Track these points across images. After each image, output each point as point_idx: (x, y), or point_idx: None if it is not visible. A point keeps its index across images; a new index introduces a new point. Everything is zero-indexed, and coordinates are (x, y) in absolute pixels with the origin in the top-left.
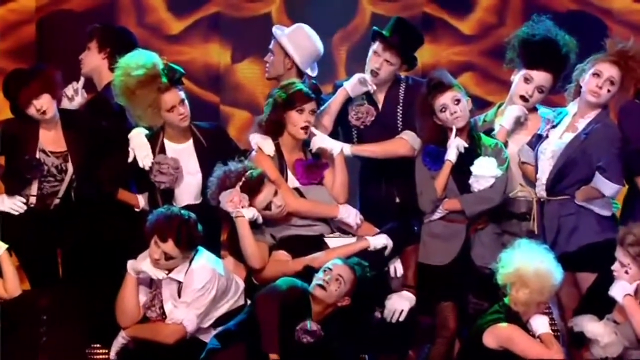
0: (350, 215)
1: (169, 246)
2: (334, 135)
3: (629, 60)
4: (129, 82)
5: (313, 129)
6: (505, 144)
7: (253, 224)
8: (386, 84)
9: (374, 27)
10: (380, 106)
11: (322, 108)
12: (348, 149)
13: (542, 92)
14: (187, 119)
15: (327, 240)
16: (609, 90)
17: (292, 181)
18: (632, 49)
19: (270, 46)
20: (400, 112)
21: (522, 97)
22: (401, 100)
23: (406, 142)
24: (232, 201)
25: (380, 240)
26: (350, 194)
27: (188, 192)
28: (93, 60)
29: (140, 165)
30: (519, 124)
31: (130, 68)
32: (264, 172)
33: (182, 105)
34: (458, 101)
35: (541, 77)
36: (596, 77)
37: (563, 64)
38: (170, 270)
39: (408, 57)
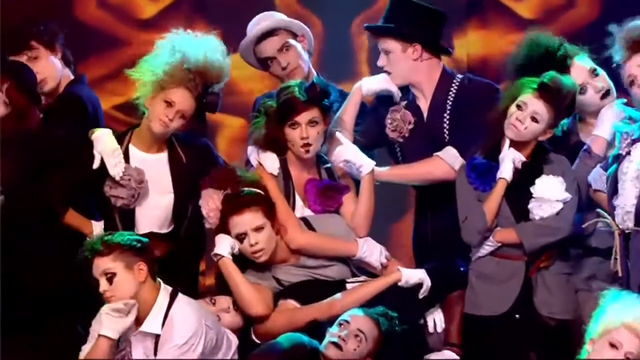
0: (372, 252)
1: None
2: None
3: None
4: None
5: (339, 135)
6: (604, 159)
7: (244, 262)
8: (425, 84)
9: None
10: (425, 113)
11: (338, 113)
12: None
13: (597, 74)
14: (167, 127)
15: (349, 286)
16: None
17: (301, 208)
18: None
19: (272, 52)
20: (447, 119)
21: (606, 94)
22: (449, 106)
23: (443, 163)
24: (208, 204)
25: (415, 274)
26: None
27: (153, 216)
28: (55, 67)
29: (112, 174)
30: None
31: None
32: (266, 197)
33: (179, 115)
34: (535, 120)
35: (580, 66)
36: (632, 78)
37: (565, 57)
38: (140, 322)
39: (407, 34)
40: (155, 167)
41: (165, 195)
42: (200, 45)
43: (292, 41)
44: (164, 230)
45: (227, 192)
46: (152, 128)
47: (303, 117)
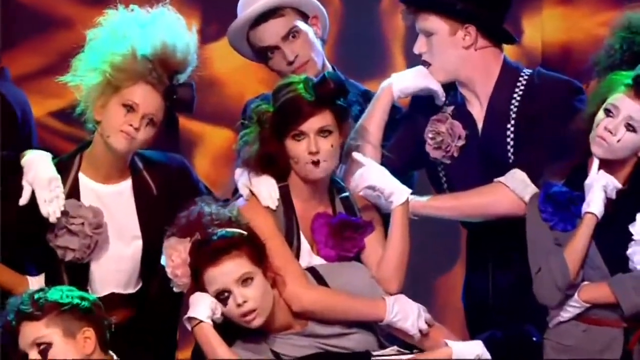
0: (407, 315)
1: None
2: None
3: None
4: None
5: (358, 155)
6: None
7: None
8: (479, 81)
9: None
10: (480, 123)
11: (360, 121)
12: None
13: None
14: (134, 140)
15: None
16: None
17: (308, 254)
18: None
19: (274, 39)
20: (511, 131)
21: None
22: (513, 113)
23: (506, 192)
24: (172, 259)
25: (470, 349)
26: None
27: (114, 271)
28: None
29: (44, 213)
30: None
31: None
32: (250, 237)
33: (146, 121)
34: (631, 128)
35: None
36: None
37: None
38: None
39: (459, 11)
40: (116, 203)
41: (131, 242)
42: (152, 23)
43: (301, 25)
44: (130, 290)
45: (196, 238)
46: (113, 145)
47: (311, 124)
